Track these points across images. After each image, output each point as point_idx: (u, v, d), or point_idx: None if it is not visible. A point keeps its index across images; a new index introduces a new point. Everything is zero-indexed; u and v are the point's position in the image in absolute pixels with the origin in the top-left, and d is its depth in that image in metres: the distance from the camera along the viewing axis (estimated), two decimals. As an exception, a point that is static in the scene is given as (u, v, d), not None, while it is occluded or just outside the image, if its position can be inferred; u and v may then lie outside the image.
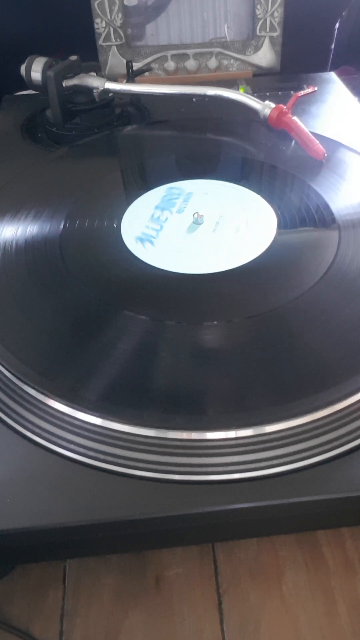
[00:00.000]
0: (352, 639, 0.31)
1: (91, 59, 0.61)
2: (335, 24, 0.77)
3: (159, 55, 0.69)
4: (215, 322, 0.35)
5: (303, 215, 0.44)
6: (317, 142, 0.50)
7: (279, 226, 0.42)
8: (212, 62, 0.70)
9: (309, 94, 0.59)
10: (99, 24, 0.67)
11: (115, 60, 0.69)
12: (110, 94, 0.58)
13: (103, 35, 0.68)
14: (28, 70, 0.56)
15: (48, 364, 0.33)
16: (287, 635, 0.31)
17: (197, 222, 0.43)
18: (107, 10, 0.66)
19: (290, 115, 0.53)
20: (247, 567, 0.34)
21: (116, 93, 0.58)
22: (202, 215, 0.43)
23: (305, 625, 0.32)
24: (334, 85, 0.67)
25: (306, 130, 0.51)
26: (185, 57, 0.70)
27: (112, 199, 0.47)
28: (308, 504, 0.29)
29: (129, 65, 0.62)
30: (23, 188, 0.48)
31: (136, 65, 0.67)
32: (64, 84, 0.56)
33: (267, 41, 0.69)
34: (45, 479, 0.29)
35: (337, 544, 0.35)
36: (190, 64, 0.70)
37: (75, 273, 0.39)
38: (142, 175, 0.52)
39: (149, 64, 0.70)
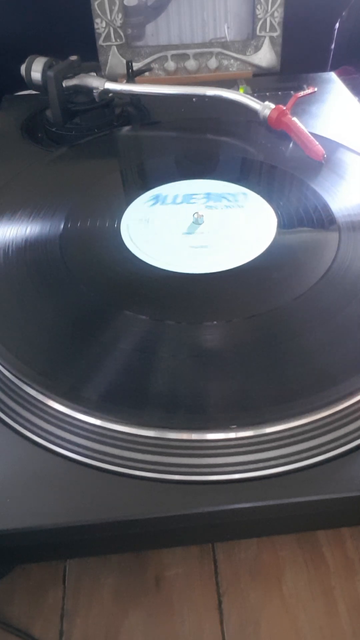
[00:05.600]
0: (352, 639, 0.31)
1: (91, 59, 0.61)
2: (335, 24, 0.77)
3: (159, 55, 0.69)
4: (215, 322, 0.35)
5: (303, 216, 0.44)
6: (317, 143, 0.50)
7: (279, 226, 0.42)
8: (212, 62, 0.70)
9: (309, 94, 0.59)
10: (99, 24, 0.67)
11: (115, 60, 0.69)
12: (110, 94, 0.58)
13: (103, 35, 0.68)
14: (28, 70, 0.56)
15: (48, 364, 0.33)
16: (287, 635, 0.31)
17: (197, 222, 0.43)
18: (107, 10, 0.66)
19: (289, 116, 0.53)
20: (247, 567, 0.34)
21: (116, 93, 0.58)
22: (202, 215, 0.43)
23: (305, 625, 0.32)
24: (334, 85, 0.67)
25: (306, 131, 0.51)
26: (185, 57, 0.70)
27: (112, 199, 0.47)
28: (308, 504, 0.29)
29: (129, 65, 0.62)
30: (23, 188, 0.48)
31: (136, 65, 0.67)
32: (64, 84, 0.56)
33: (267, 41, 0.69)
34: (45, 479, 0.29)
35: (337, 544, 0.35)
36: (190, 64, 0.70)
37: (75, 273, 0.39)
38: (141, 175, 0.52)
39: (149, 64, 0.70)
